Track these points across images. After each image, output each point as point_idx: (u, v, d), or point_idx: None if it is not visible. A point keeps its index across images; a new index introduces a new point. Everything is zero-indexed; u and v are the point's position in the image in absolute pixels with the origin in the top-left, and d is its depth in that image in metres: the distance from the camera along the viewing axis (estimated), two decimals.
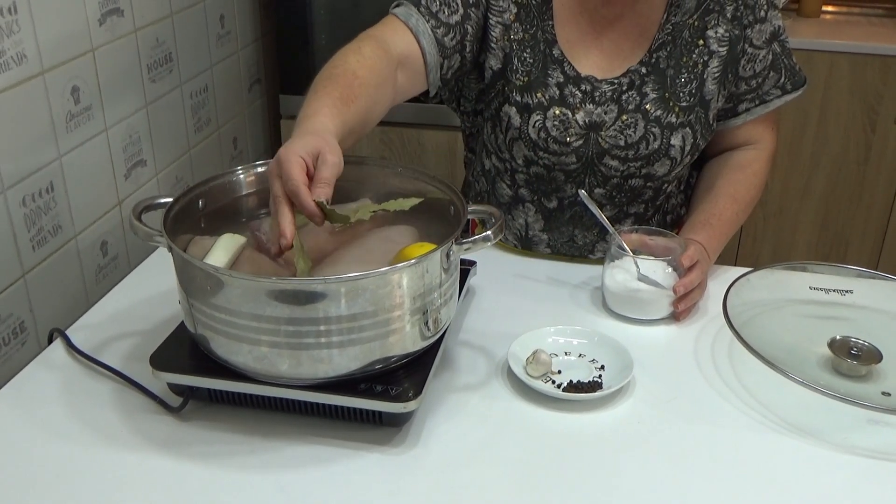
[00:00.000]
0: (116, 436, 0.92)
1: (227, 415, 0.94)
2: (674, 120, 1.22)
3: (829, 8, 2.73)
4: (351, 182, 1.06)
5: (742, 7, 1.22)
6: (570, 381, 0.99)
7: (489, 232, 0.91)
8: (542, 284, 1.24)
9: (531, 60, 1.22)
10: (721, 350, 1.09)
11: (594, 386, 0.98)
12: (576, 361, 1.04)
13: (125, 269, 1.46)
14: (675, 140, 1.22)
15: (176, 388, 0.95)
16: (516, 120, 1.23)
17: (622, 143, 1.22)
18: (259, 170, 1.06)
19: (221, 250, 0.95)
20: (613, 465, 0.89)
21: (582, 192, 1.18)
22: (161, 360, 0.94)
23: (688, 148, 1.23)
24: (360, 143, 1.97)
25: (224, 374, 0.91)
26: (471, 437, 0.93)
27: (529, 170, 1.27)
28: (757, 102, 1.28)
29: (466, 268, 1.17)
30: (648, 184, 1.27)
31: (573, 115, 1.22)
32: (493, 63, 1.23)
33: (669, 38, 1.22)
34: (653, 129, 1.22)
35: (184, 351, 0.95)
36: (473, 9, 1.19)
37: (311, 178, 0.87)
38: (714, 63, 1.23)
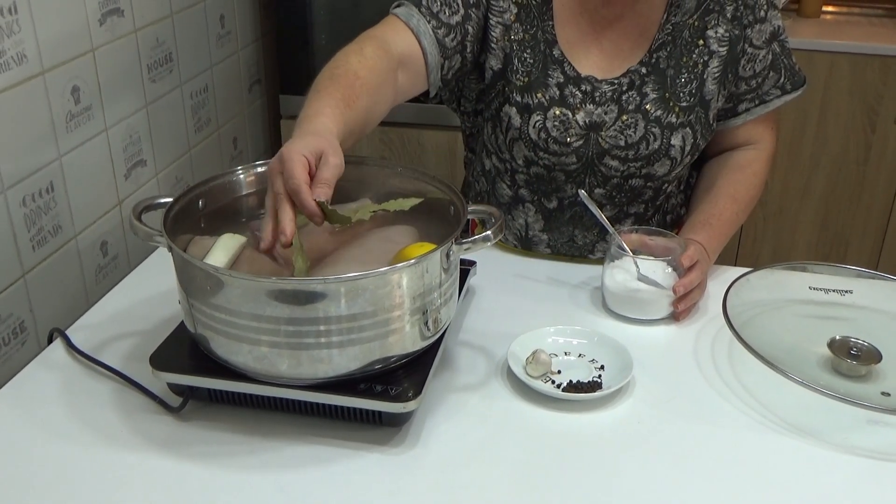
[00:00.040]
0: (116, 436, 0.92)
1: (227, 415, 0.95)
2: (674, 120, 1.22)
3: (829, 8, 2.73)
4: (351, 182, 1.06)
5: (742, 7, 1.22)
6: (570, 381, 0.99)
7: (489, 232, 0.91)
8: (542, 284, 1.24)
9: (531, 61, 1.22)
10: (721, 350, 1.09)
11: (594, 386, 0.99)
12: (575, 361, 1.04)
13: (125, 269, 1.46)
14: (676, 140, 1.22)
15: (176, 388, 0.95)
16: (516, 120, 1.23)
17: (622, 143, 1.22)
18: (259, 170, 1.06)
19: (221, 250, 0.95)
20: (613, 465, 0.89)
21: (582, 193, 1.18)
22: (161, 360, 0.94)
23: (688, 148, 1.23)
24: (360, 143, 1.97)
25: (224, 374, 0.91)
26: (470, 436, 0.93)
27: (529, 170, 1.27)
28: (757, 102, 1.28)
29: (466, 268, 1.17)
30: (648, 184, 1.27)
31: (573, 116, 1.22)
32: (494, 63, 1.23)
33: (669, 38, 1.22)
34: (653, 130, 1.22)
35: (184, 351, 0.95)
36: (474, 9, 1.19)
37: (312, 177, 0.87)
38: (714, 63, 1.23)
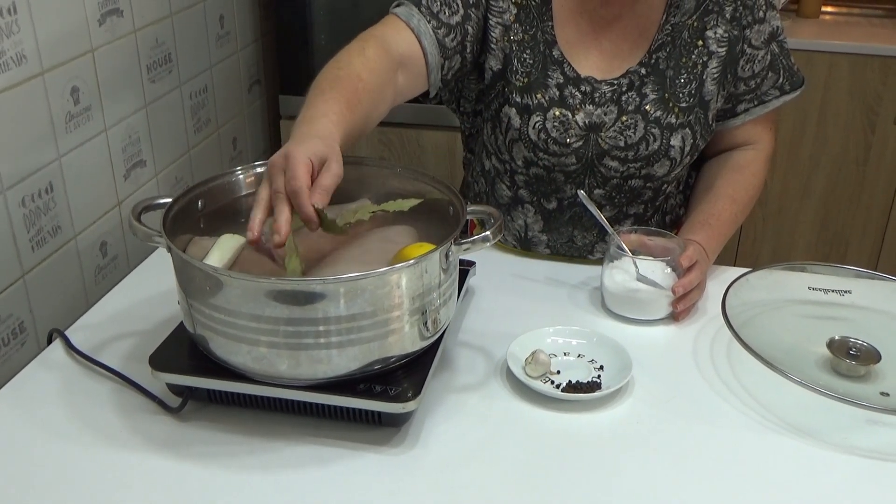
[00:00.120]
0: (116, 436, 0.92)
1: (227, 415, 0.95)
2: (673, 121, 1.22)
3: (829, 8, 2.73)
4: (350, 182, 1.05)
5: (741, 8, 1.22)
6: (569, 382, 0.99)
7: (488, 232, 0.91)
8: (541, 285, 1.24)
9: (531, 61, 1.23)
10: (720, 350, 1.09)
11: (593, 386, 0.99)
12: (575, 362, 1.04)
13: (125, 269, 1.46)
14: (675, 141, 1.22)
15: (175, 389, 0.95)
16: (516, 121, 1.23)
17: (622, 143, 1.22)
18: (259, 170, 1.06)
19: (221, 251, 0.95)
20: (612, 465, 0.89)
21: (581, 193, 1.18)
22: (160, 360, 0.94)
23: (687, 148, 1.24)
24: (360, 143, 1.97)
25: (223, 375, 0.91)
26: (470, 437, 0.93)
27: (529, 171, 1.27)
28: (756, 103, 1.29)
29: (465, 268, 1.17)
30: (648, 184, 1.27)
31: (573, 116, 1.22)
32: (493, 64, 1.24)
33: (669, 38, 1.22)
34: (652, 130, 1.22)
35: (183, 351, 0.95)
36: (473, 9, 1.19)
37: (312, 181, 0.87)
38: (713, 64, 1.23)
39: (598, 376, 1.01)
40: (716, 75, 1.23)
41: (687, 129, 1.23)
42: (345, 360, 0.87)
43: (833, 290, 1.15)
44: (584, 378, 1.00)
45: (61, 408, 0.96)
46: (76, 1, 1.29)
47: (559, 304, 1.19)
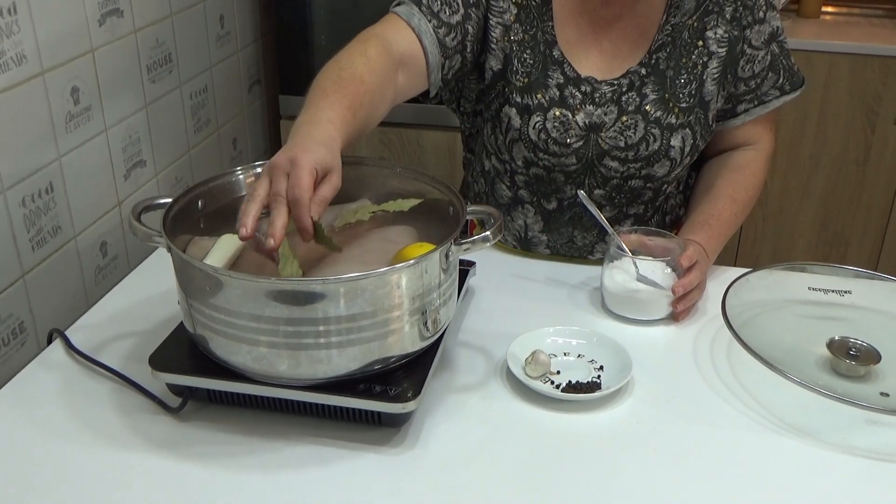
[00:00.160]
0: (116, 436, 0.92)
1: (227, 415, 0.95)
2: (673, 121, 1.22)
3: (829, 8, 2.73)
4: (350, 182, 1.06)
5: (741, 8, 1.22)
6: (569, 382, 0.99)
7: (488, 232, 0.91)
8: (541, 285, 1.24)
9: (531, 61, 1.23)
10: (720, 350, 1.09)
11: (593, 386, 0.99)
12: (575, 362, 1.04)
13: (125, 269, 1.46)
14: (675, 141, 1.22)
15: (175, 389, 0.95)
16: (516, 121, 1.23)
17: (622, 144, 1.22)
18: (258, 170, 1.06)
19: (221, 251, 0.95)
20: (612, 465, 0.90)
21: (581, 193, 1.18)
22: (160, 360, 0.94)
23: (687, 149, 1.24)
24: (360, 143, 1.97)
25: (223, 375, 0.91)
26: (470, 437, 0.93)
27: (529, 171, 1.27)
28: (756, 103, 1.29)
29: (465, 268, 1.17)
30: (648, 185, 1.27)
31: (573, 117, 1.22)
32: (494, 64, 1.24)
33: (669, 39, 1.23)
34: (652, 131, 1.22)
35: (183, 351, 0.95)
36: (474, 9, 1.19)
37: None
38: (713, 64, 1.23)
39: (598, 376, 1.01)
40: (716, 76, 1.23)
41: (687, 129, 1.23)
42: (345, 360, 0.87)
43: (833, 291, 1.15)
44: (584, 378, 1.00)
45: (61, 408, 0.96)
46: (76, 1, 1.30)
47: (559, 305, 1.19)
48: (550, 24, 1.23)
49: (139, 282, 1.24)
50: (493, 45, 1.22)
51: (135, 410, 0.96)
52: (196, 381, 0.92)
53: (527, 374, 1.00)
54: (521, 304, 1.18)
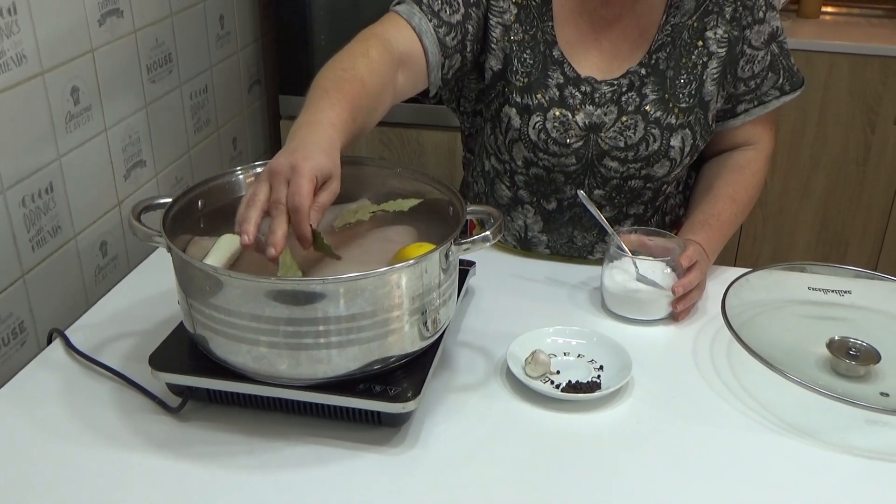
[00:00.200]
0: (116, 436, 0.92)
1: (226, 415, 0.95)
2: (673, 121, 1.22)
3: (829, 9, 2.73)
4: (350, 182, 1.06)
5: (741, 8, 1.22)
6: (569, 382, 0.99)
7: (488, 232, 0.91)
8: (541, 285, 1.24)
9: (531, 61, 1.23)
10: (720, 350, 1.09)
11: (593, 386, 0.99)
12: (574, 362, 1.04)
13: (125, 269, 1.46)
14: (675, 141, 1.22)
15: (175, 389, 0.95)
16: (516, 121, 1.23)
17: (622, 144, 1.22)
18: (258, 170, 1.06)
19: (221, 251, 0.95)
20: (612, 465, 0.90)
21: (581, 193, 1.18)
22: (160, 360, 0.94)
23: (687, 149, 1.24)
24: (360, 143, 1.98)
25: (223, 375, 0.91)
26: (470, 437, 0.93)
27: (529, 171, 1.27)
28: (755, 103, 1.29)
29: (465, 268, 1.17)
30: (648, 185, 1.27)
31: (573, 117, 1.22)
32: (494, 64, 1.24)
33: (669, 39, 1.23)
34: (652, 131, 1.22)
35: (183, 351, 0.95)
36: (474, 9, 1.19)
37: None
38: (713, 64, 1.23)
39: (598, 376, 1.01)
40: (716, 76, 1.23)
41: (687, 129, 1.23)
42: (345, 360, 0.87)
43: (833, 291, 1.15)
44: (584, 378, 1.00)
45: (61, 408, 0.96)
46: (76, 1, 1.30)
47: (559, 304, 1.19)
48: (550, 24, 1.23)
49: (139, 282, 1.24)
50: (493, 45, 1.22)
51: (135, 410, 0.96)
52: (196, 381, 0.92)
53: (527, 374, 1.00)
54: (521, 304, 1.18)
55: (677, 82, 1.22)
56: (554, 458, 0.90)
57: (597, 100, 1.22)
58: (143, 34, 1.51)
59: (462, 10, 1.17)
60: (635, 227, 1.28)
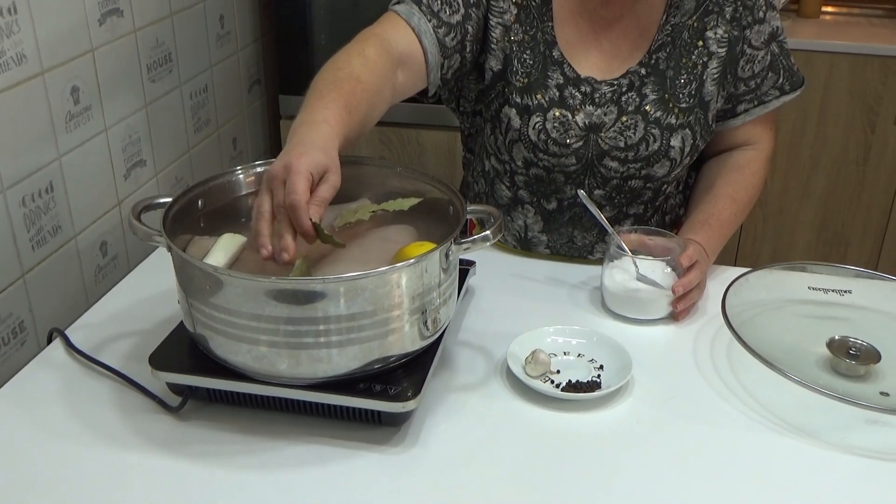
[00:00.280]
0: (116, 435, 0.92)
1: (227, 414, 0.95)
2: (673, 121, 1.22)
3: (829, 8, 2.73)
4: (350, 182, 1.06)
5: (741, 8, 1.22)
6: (569, 381, 0.99)
7: (488, 232, 0.91)
8: (541, 284, 1.24)
9: (531, 62, 1.23)
10: (720, 350, 1.09)
11: (593, 386, 0.99)
12: (575, 361, 1.04)
13: (125, 269, 1.46)
14: (675, 141, 1.22)
15: (175, 388, 0.95)
16: (516, 121, 1.23)
17: (622, 144, 1.22)
18: (258, 170, 1.06)
19: (221, 250, 0.95)
20: (612, 464, 0.90)
21: (581, 193, 1.18)
22: (160, 359, 0.94)
23: (687, 149, 1.24)
24: (360, 142, 1.98)
25: (223, 374, 0.91)
26: (470, 436, 0.93)
27: (529, 171, 1.27)
28: (756, 103, 1.29)
29: (465, 268, 1.17)
30: (648, 185, 1.27)
31: (573, 117, 1.22)
32: (493, 64, 1.24)
33: (669, 39, 1.23)
34: (652, 131, 1.22)
35: (183, 350, 0.95)
36: (474, 9, 1.19)
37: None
38: (713, 64, 1.23)
39: (598, 376, 1.01)
40: (716, 76, 1.23)
41: (687, 129, 1.23)
42: (345, 360, 0.87)
43: (833, 290, 1.15)
44: (584, 378, 1.00)
45: (61, 407, 0.96)
46: (76, 1, 1.30)
47: (559, 304, 1.19)
48: (550, 24, 1.23)
49: (139, 281, 1.24)
50: (493, 46, 1.22)
51: (135, 410, 0.96)
52: (196, 381, 0.92)
53: (527, 374, 1.00)
54: (521, 303, 1.18)
55: (677, 82, 1.22)
56: (554, 458, 0.90)
57: (597, 100, 1.22)
58: (143, 34, 1.50)
59: (462, 10, 1.17)
60: (635, 226, 1.28)
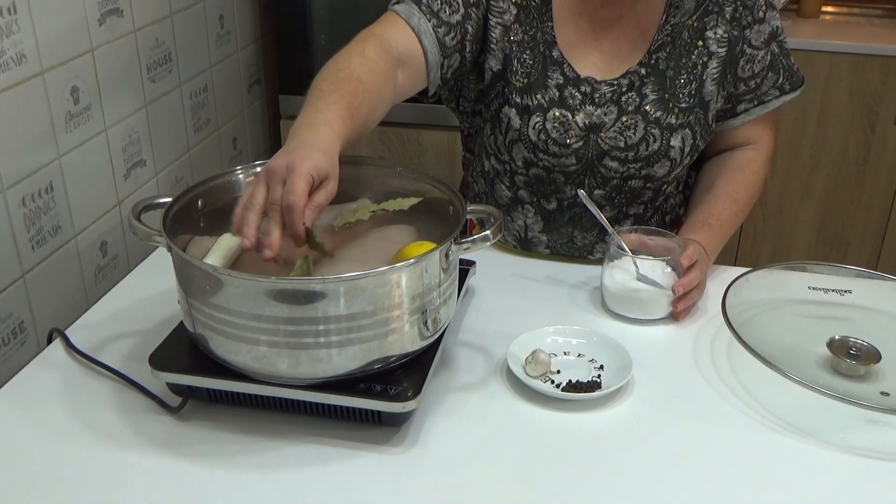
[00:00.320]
0: (116, 436, 0.92)
1: (227, 415, 0.95)
2: (673, 121, 1.22)
3: (829, 8, 2.73)
4: (350, 182, 1.06)
5: (741, 8, 1.22)
6: (569, 381, 0.99)
7: (488, 231, 0.91)
8: (541, 284, 1.24)
9: (531, 62, 1.23)
10: (720, 350, 1.09)
11: (593, 386, 0.99)
12: (575, 361, 1.04)
13: (125, 269, 1.46)
14: (675, 141, 1.22)
15: (175, 388, 0.95)
16: (516, 122, 1.23)
17: (622, 144, 1.22)
18: (258, 170, 1.06)
19: (221, 250, 0.95)
20: (612, 464, 0.89)
21: (581, 193, 1.18)
22: (160, 359, 0.94)
23: (687, 149, 1.24)
24: (360, 142, 1.97)
25: (223, 374, 0.91)
26: (470, 436, 0.93)
27: (529, 171, 1.27)
28: (755, 103, 1.29)
29: (465, 268, 1.17)
30: (648, 185, 1.27)
31: (573, 117, 1.22)
32: (493, 64, 1.24)
33: (668, 39, 1.22)
34: (652, 131, 1.22)
35: (183, 351, 0.95)
36: (474, 9, 1.19)
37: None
38: (713, 64, 1.23)
39: (598, 376, 1.01)
40: (716, 76, 1.23)
41: (687, 129, 1.23)
42: (345, 360, 0.87)
43: (833, 290, 1.15)
44: (584, 378, 1.00)
45: (61, 408, 0.96)
46: (76, 1, 1.30)
47: (559, 304, 1.19)
48: (550, 24, 1.23)
49: (139, 281, 1.24)
50: (492, 46, 1.22)
51: (135, 410, 0.96)
52: (196, 381, 0.92)
53: (527, 374, 1.00)
54: (521, 303, 1.18)
55: (677, 82, 1.22)
56: (554, 458, 0.90)
57: (597, 100, 1.22)
58: (143, 34, 1.50)
59: (462, 10, 1.17)
60: (635, 226, 1.28)
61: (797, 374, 0.95)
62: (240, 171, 1.06)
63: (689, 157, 1.25)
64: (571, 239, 1.32)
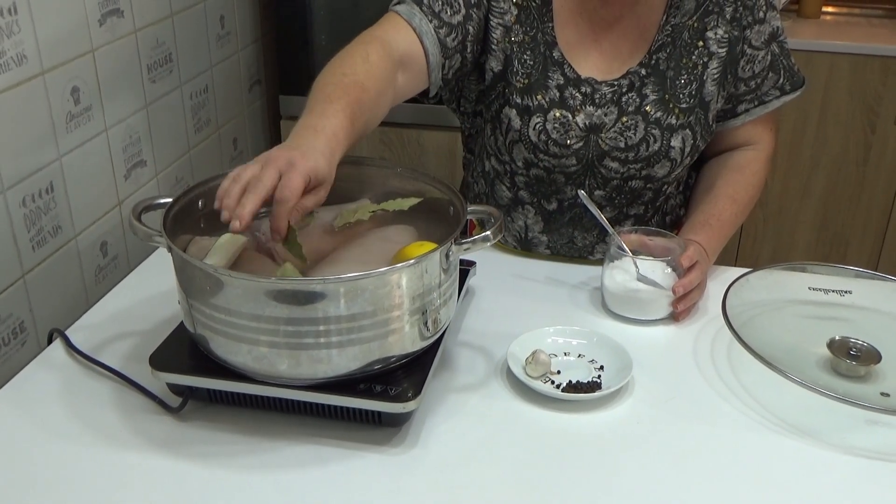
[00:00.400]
0: (116, 436, 0.92)
1: (227, 415, 0.95)
2: (674, 121, 1.22)
3: (829, 9, 2.73)
4: (350, 182, 1.06)
5: (741, 8, 1.22)
6: (570, 382, 0.99)
7: (488, 232, 0.91)
8: (542, 285, 1.24)
9: (531, 62, 1.23)
10: (720, 350, 1.09)
11: (593, 386, 0.99)
12: (575, 362, 1.04)
13: (125, 269, 1.46)
14: (675, 142, 1.22)
15: (175, 389, 0.95)
16: (516, 122, 1.23)
17: (622, 144, 1.22)
18: None
19: (221, 251, 0.95)
20: (612, 465, 0.89)
21: (581, 193, 1.18)
22: (160, 360, 0.94)
23: (688, 149, 1.24)
24: (360, 143, 1.97)
25: (223, 375, 0.91)
26: (470, 437, 0.93)
27: (529, 172, 1.27)
28: (756, 103, 1.29)
29: (466, 268, 1.17)
30: (648, 185, 1.27)
31: (573, 118, 1.22)
32: (494, 65, 1.24)
33: (669, 39, 1.22)
34: (653, 131, 1.22)
35: (183, 351, 0.95)
36: (475, 9, 1.19)
37: None
38: (713, 64, 1.23)
39: (599, 376, 1.01)
40: (716, 76, 1.23)
41: (687, 129, 1.23)
42: (345, 360, 0.87)
43: (833, 291, 1.15)
44: (585, 378, 1.00)
45: (61, 408, 0.96)
46: (76, 1, 1.30)
47: (559, 304, 1.19)
48: (550, 25, 1.23)
49: (139, 282, 1.24)
50: (493, 46, 1.22)
51: (135, 410, 0.96)
52: (196, 381, 0.92)
53: (527, 374, 1.00)
54: (522, 304, 1.18)
55: (677, 83, 1.22)
56: (554, 458, 0.90)
57: (597, 100, 1.22)
58: (143, 34, 1.51)
59: (463, 10, 1.17)
60: (636, 227, 1.28)
61: (797, 375, 0.95)
62: None
63: (689, 158, 1.25)
64: (572, 239, 1.32)
